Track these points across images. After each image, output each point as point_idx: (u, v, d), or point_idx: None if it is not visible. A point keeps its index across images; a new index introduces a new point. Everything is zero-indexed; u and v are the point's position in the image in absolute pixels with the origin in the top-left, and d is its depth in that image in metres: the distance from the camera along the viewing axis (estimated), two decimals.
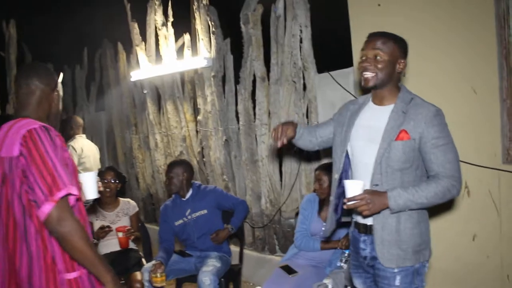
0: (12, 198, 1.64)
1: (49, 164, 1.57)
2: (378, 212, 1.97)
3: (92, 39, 6.83)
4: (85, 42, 6.93)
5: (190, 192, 3.67)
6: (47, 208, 1.53)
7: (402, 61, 2.05)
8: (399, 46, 2.05)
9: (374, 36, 2.06)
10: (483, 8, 2.75)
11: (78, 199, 1.75)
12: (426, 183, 1.96)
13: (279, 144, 2.26)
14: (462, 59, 2.87)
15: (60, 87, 1.94)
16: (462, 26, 2.85)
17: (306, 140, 2.42)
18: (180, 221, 3.66)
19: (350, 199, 1.92)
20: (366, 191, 1.93)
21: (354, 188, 1.93)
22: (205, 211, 3.62)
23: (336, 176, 2.22)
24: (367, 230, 2.11)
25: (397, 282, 2.01)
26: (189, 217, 3.63)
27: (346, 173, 2.22)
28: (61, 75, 1.98)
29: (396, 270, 2.01)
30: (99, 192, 2.13)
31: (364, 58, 2.05)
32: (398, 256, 2.00)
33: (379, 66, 2.00)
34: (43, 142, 1.60)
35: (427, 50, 2.97)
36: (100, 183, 2.10)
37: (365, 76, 2.04)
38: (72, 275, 1.67)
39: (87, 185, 2.03)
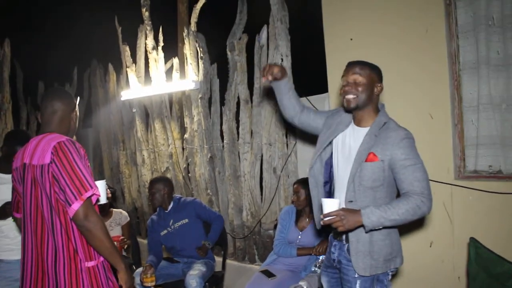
0: (41, 198, 1.97)
1: (77, 170, 1.92)
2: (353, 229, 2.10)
3: (81, 59, 7.11)
4: (75, 62, 7.20)
5: (172, 204, 4.00)
6: (76, 206, 1.87)
7: (379, 84, 2.23)
8: (375, 71, 2.24)
9: (352, 64, 2.24)
10: (438, 47, 3.17)
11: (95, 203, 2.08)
12: (397, 200, 2.06)
13: (263, 80, 2.44)
14: (421, 89, 3.27)
15: (77, 109, 2.28)
16: (421, 60, 3.25)
17: (292, 103, 2.55)
18: (165, 231, 3.98)
19: (325, 215, 2.04)
20: (341, 209, 2.04)
21: (330, 205, 2.07)
22: (187, 220, 3.94)
23: (307, 169, 2.46)
24: (339, 236, 2.31)
25: (357, 286, 2.18)
26: (172, 227, 3.95)
27: (328, 184, 2.40)
28: (78, 98, 2.33)
29: (356, 276, 2.16)
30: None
31: (345, 83, 2.22)
32: (370, 265, 2.13)
33: (359, 89, 2.18)
34: (71, 152, 1.95)
35: (393, 79, 3.32)
36: (108, 190, 2.41)
37: (347, 98, 2.20)
38: (90, 264, 2.00)
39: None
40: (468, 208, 3.11)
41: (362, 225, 2.04)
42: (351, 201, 2.18)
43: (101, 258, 2.04)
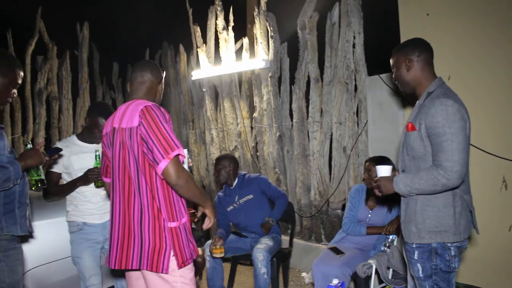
0: (128, 159, 2.08)
1: (164, 131, 2.01)
2: (393, 195, 2.22)
3: (153, 40, 7.33)
4: (147, 43, 7.43)
5: (237, 180, 4.08)
6: (164, 164, 1.96)
7: (407, 60, 2.28)
8: (401, 51, 2.32)
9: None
10: None
11: None
12: (424, 170, 2.09)
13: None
14: (503, 64, 3.13)
15: (163, 82, 2.38)
16: (503, 35, 3.11)
17: None
18: (231, 207, 4.07)
19: (374, 180, 2.30)
20: (380, 177, 2.26)
21: (382, 171, 2.29)
22: (251, 196, 4.00)
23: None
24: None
25: (416, 256, 2.20)
26: (238, 202, 4.03)
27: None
28: (164, 72, 2.42)
29: (414, 246, 2.19)
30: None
31: None
32: (413, 233, 2.17)
33: (394, 75, 2.36)
34: (157, 115, 2.05)
35: (473, 55, 3.25)
36: (189, 159, 2.49)
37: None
38: (173, 224, 2.09)
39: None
40: None
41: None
42: (403, 170, 2.26)
43: (183, 220, 2.13)
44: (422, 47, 2.28)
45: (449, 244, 2.14)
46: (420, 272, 2.19)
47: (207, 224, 2.29)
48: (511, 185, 3.13)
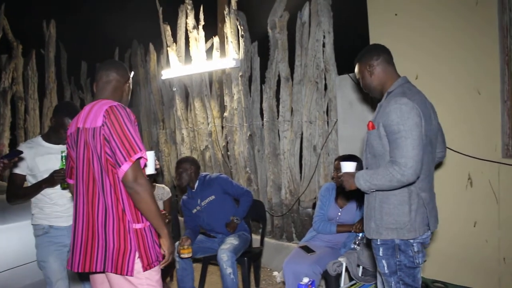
0: (92, 160, 2.03)
1: (127, 133, 1.97)
2: (355, 191, 2.30)
3: (123, 39, 7.23)
4: (117, 42, 7.32)
5: (197, 183, 4.03)
6: (125, 167, 1.92)
7: (367, 66, 2.35)
8: (362, 60, 2.39)
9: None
10: (488, 19, 3.06)
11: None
12: (382, 167, 2.15)
13: None
14: (469, 63, 3.17)
15: (131, 81, 2.33)
16: (469, 34, 3.15)
17: None
18: (195, 210, 4.04)
19: (338, 175, 2.38)
20: (344, 173, 2.34)
21: (346, 167, 2.38)
22: (213, 197, 3.96)
23: None
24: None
25: (380, 253, 2.25)
26: (201, 205, 4.00)
27: None
28: (132, 72, 2.37)
29: (379, 243, 2.24)
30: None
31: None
32: (372, 229, 2.24)
33: (361, 83, 2.43)
34: (122, 116, 2.00)
35: (441, 53, 3.29)
36: (157, 161, 2.45)
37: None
38: (138, 226, 2.04)
39: (148, 162, 2.30)
40: None
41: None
42: (367, 168, 2.32)
43: (148, 222, 2.09)
44: (378, 50, 2.37)
45: (411, 241, 2.17)
46: (386, 268, 2.23)
47: (163, 262, 2.14)
48: (476, 182, 3.19)
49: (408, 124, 2.05)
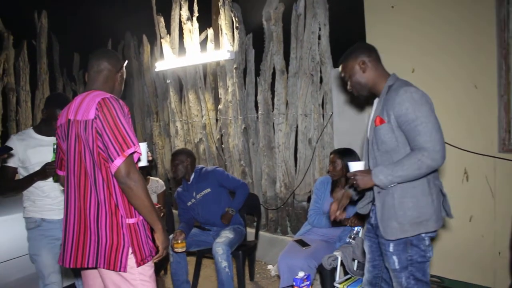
0: (84, 153, 1.99)
1: (120, 127, 1.92)
2: (370, 189, 2.25)
3: (116, 31, 7.15)
4: (110, 34, 7.25)
5: (193, 175, 4.00)
6: (118, 162, 1.88)
7: (360, 63, 2.30)
8: (350, 57, 2.33)
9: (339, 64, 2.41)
10: (485, 13, 3.04)
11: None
12: (403, 157, 2.10)
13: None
14: (466, 57, 3.15)
15: (124, 71, 2.28)
16: (466, 28, 3.13)
17: None
18: (190, 202, 4.01)
19: (349, 175, 2.26)
20: (356, 171, 2.23)
21: (355, 167, 2.29)
22: (209, 190, 3.93)
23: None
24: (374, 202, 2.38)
25: (391, 249, 2.22)
26: (197, 197, 3.97)
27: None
28: (126, 61, 2.32)
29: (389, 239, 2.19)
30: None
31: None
32: (396, 229, 2.16)
33: (349, 83, 2.37)
34: (115, 108, 1.95)
35: (435, 48, 3.26)
36: (149, 153, 2.41)
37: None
38: (131, 221, 2.00)
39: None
40: (511, 182, 3.01)
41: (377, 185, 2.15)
42: (376, 166, 2.24)
43: (141, 217, 2.05)
44: (368, 48, 2.35)
45: (423, 235, 2.16)
46: (396, 264, 2.20)
47: (156, 256, 2.12)
48: (472, 176, 3.18)
49: (424, 110, 2.06)
